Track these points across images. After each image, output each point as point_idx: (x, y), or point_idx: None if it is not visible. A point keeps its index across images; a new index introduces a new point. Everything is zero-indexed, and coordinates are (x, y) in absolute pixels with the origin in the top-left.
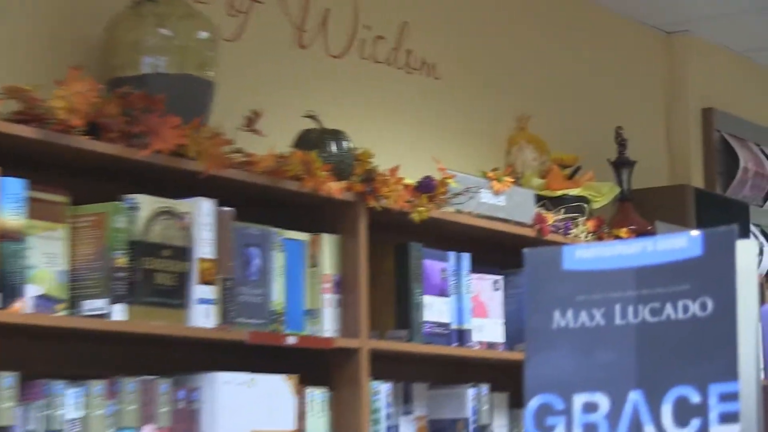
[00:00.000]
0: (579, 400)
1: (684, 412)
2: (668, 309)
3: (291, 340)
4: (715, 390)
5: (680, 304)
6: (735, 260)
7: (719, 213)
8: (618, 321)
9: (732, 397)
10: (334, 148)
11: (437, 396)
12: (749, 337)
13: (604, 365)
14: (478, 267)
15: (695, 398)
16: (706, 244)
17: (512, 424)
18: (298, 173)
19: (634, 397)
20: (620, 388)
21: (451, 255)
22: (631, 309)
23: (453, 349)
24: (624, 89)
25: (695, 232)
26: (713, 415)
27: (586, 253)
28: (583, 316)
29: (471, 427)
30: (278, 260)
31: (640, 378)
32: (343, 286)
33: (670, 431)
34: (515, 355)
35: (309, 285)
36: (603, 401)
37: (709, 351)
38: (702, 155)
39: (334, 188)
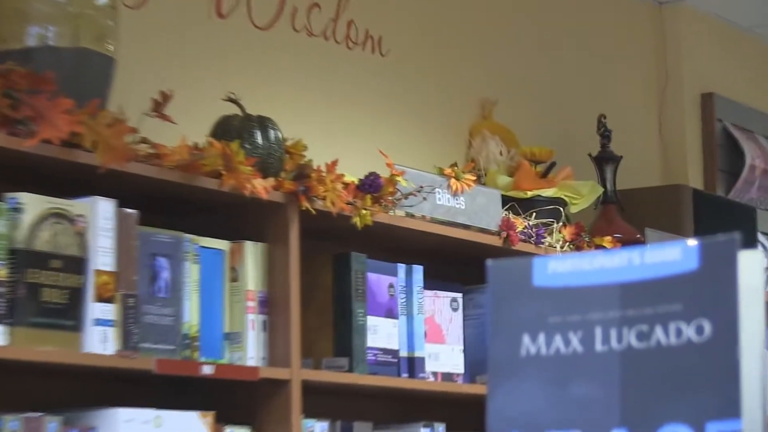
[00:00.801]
0: None
1: None
2: (658, 333)
3: (207, 370)
4: (713, 429)
5: (672, 327)
6: (737, 275)
7: (721, 219)
8: (599, 347)
9: None
10: (259, 138)
11: None
12: (754, 366)
13: (581, 400)
14: (433, 282)
15: None
16: (703, 255)
17: None
18: (216, 168)
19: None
20: (600, 426)
21: (401, 268)
22: (614, 333)
23: (403, 381)
24: (608, 70)
25: (692, 242)
26: None
27: (561, 266)
28: (558, 342)
29: None
30: (192, 273)
31: (625, 415)
32: (271, 304)
33: None
34: (476, 389)
35: (229, 303)
36: None
37: (706, 383)
38: (701, 150)
39: (260, 187)
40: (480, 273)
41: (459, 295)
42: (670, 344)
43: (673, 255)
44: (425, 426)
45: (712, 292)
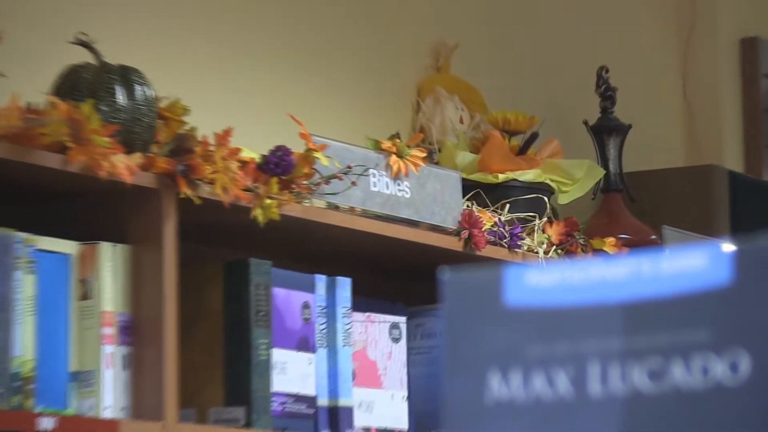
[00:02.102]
0: None
1: None
2: (676, 370)
3: (46, 425)
4: None
5: (696, 362)
6: None
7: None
8: (595, 390)
9: None
10: (121, 97)
11: None
12: None
13: None
14: (365, 302)
15: None
16: (739, 265)
17: None
18: (59, 139)
19: None
20: None
21: (320, 281)
22: (616, 370)
23: None
24: (611, 7)
25: (725, 247)
26: None
27: (544, 279)
28: (539, 382)
29: None
30: (26, 287)
31: None
32: (136, 332)
33: None
34: None
35: (77, 331)
36: None
37: None
38: (740, 117)
39: (122, 166)
40: (431, 289)
41: (402, 320)
42: (692, 386)
43: (699, 264)
44: None
45: (751, 315)
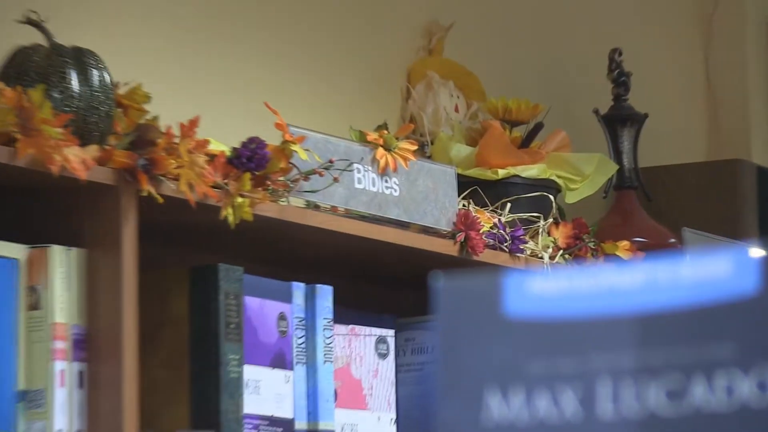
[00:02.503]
0: None
1: None
2: (697, 389)
3: None
4: None
5: (720, 380)
6: None
7: None
8: (606, 411)
9: None
10: (75, 82)
11: None
12: None
13: None
14: (349, 312)
15: None
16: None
17: None
18: (5, 130)
19: None
20: None
21: (298, 289)
22: (629, 389)
23: None
24: None
25: (753, 251)
26: None
27: (548, 287)
28: (543, 403)
29: None
30: None
31: None
32: (92, 347)
33: None
34: None
35: (25, 345)
36: None
37: None
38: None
39: (76, 159)
40: (422, 298)
41: (389, 333)
42: (714, 407)
43: (723, 270)
44: None
45: None
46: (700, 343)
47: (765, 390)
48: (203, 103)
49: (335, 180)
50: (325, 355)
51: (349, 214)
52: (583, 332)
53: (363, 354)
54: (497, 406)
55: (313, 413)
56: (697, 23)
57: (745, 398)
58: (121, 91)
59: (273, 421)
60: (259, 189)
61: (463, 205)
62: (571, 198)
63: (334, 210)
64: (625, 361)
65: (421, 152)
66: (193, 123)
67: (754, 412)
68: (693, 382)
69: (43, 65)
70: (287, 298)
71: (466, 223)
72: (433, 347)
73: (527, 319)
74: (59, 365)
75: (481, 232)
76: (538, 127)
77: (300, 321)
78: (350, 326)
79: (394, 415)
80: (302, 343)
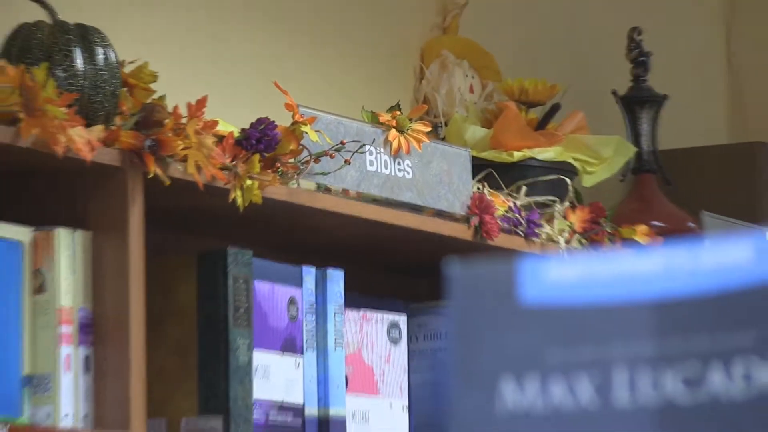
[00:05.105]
0: None
1: None
2: (715, 377)
3: None
4: None
5: (738, 367)
6: None
7: None
8: (623, 400)
9: None
10: (80, 61)
11: None
12: None
13: None
14: (360, 297)
15: None
16: None
17: None
18: (8, 110)
19: None
20: None
21: (309, 273)
22: (646, 377)
23: None
24: None
25: None
26: None
27: (564, 273)
28: (558, 391)
29: None
30: None
31: None
32: (98, 331)
33: None
34: None
35: (31, 329)
36: None
37: None
38: None
39: (81, 140)
40: (435, 283)
41: (402, 318)
42: (733, 395)
43: (741, 256)
44: None
45: None
46: (719, 330)
47: None
48: (211, 83)
49: (346, 162)
50: (336, 340)
51: (361, 198)
52: (599, 319)
53: (375, 339)
54: (512, 394)
55: (323, 399)
56: (720, 2)
57: (763, 386)
58: (127, 70)
59: (283, 407)
60: (269, 171)
61: (478, 189)
62: (588, 181)
63: (345, 193)
64: (642, 349)
65: (435, 134)
66: (201, 103)
67: None
68: (711, 370)
69: (47, 43)
70: (298, 282)
71: (480, 206)
72: (447, 333)
73: (542, 306)
74: (65, 350)
75: (495, 216)
76: (555, 108)
77: (311, 306)
78: (362, 311)
79: (406, 402)
80: (313, 328)
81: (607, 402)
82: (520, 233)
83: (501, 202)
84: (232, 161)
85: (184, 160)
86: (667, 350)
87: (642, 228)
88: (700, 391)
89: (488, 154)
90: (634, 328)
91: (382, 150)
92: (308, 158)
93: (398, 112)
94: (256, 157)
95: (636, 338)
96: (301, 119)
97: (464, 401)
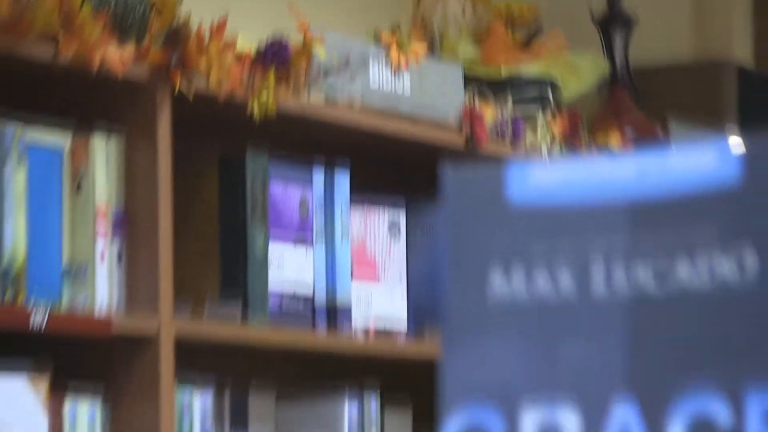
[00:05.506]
0: (530, 417)
1: (703, 428)
2: (682, 270)
3: (39, 318)
4: (755, 399)
5: (703, 260)
6: None
7: None
8: (599, 290)
9: None
10: None
11: (291, 411)
12: None
13: (573, 363)
14: (364, 196)
15: (722, 412)
16: (749, 163)
17: None
18: (49, 29)
19: (623, 411)
20: (599, 395)
21: (318, 174)
22: (620, 270)
23: (319, 336)
24: None
25: (733, 141)
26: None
27: (547, 177)
28: (541, 280)
29: None
30: (17, 180)
31: (632, 380)
32: (130, 226)
33: None
34: (425, 347)
35: (70, 224)
36: (570, 420)
37: (747, 339)
38: (750, 6)
39: (114, 57)
40: (431, 185)
41: (401, 215)
42: (698, 286)
43: (706, 162)
44: (351, 395)
45: (759, 214)
46: (685, 227)
47: (743, 269)
48: (230, 4)
49: (351, 77)
50: (342, 233)
51: (364, 108)
52: (579, 218)
53: (377, 233)
54: (499, 284)
55: (331, 286)
56: None
57: (724, 275)
58: None
59: (295, 292)
60: (283, 84)
61: (469, 101)
62: (567, 93)
63: (350, 104)
64: (617, 245)
65: (431, 52)
66: (222, 24)
67: (733, 291)
68: (678, 264)
69: None
70: (308, 182)
71: (471, 117)
72: (441, 231)
73: (528, 206)
74: (101, 242)
75: (485, 125)
76: (538, 29)
77: (320, 203)
78: (365, 207)
79: (404, 290)
80: (322, 222)
81: (585, 292)
82: (507, 140)
83: (490, 113)
84: (249, 76)
85: (207, 75)
86: (638, 246)
87: (615, 133)
88: (669, 284)
89: (479, 70)
90: (610, 227)
91: (383, 66)
92: (318, 73)
93: (398, 31)
94: (271, 72)
95: (611, 235)
96: (311, 38)
97: (457, 291)
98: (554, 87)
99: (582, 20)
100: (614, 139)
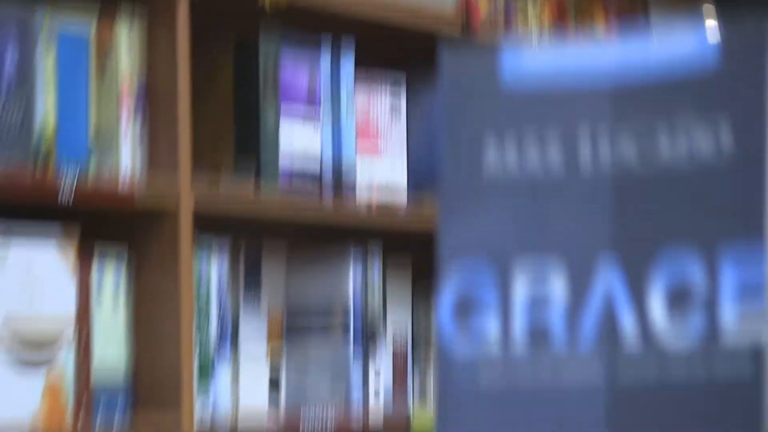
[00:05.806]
0: (521, 271)
1: (680, 285)
2: (662, 146)
3: (67, 183)
4: (727, 250)
5: (681, 138)
6: None
7: None
8: (586, 168)
9: (754, 261)
10: None
11: (300, 271)
12: None
13: (562, 228)
14: (368, 71)
15: (697, 265)
16: (727, 47)
17: (417, 312)
18: None
19: (607, 273)
20: (584, 251)
21: (325, 55)
22: (605, 148)
23: (327, 200)
24: None
25: (710, 25)
26: (726, 288)
27: (537, 61)
28: (532, 154)
29: (352, 316)
30: (47, 60)
31: (616, 237)
32: (152, 100)
33: (659, 320)
34: (423, 209)
35: (96, 97)
36: (557, 272)
37: (721, 207)
38: None
39: None
40: (430, 67)
41: (403, 93)
42: (676, 162)
43: (685, 46)
44: (356, 254)
45: (737, 96)
46: (665, 108)
47: (719, 146)
48: None
49: None
50: (347, 107)
51: None
52: (567, 101)
53: (379, 107)
54: (492, 155)
55: (337, 156)
56: None
57: (700, 151)
58: None
59: (304, 164)
60: None
61: None
62: None
63: None
64: (602, 125)
65: None
66: None
67: (709, 163)
68: (658, 140)
69: None
70: (315, 59)
71: (467, 3)
72: (439, 111)
73: (519, 88)
74: (124, 117)
75: (479, 7)
76: None
77: (328, 79)
78: (369, 85)
79: (405, 163)
80: (328, 97)
81: (573, 169)
82: (500, 25)
83: (484, 1)
84: None
85: None
86: (622, 126)
87: (600, 15)
88: (650, 162)
89: None
90: (596, 109)
91: None
92: None
93: None
94: None
95: (597, 116)
96: None
97: (453, 165)
98: None
99: None
100: (598, 19)
